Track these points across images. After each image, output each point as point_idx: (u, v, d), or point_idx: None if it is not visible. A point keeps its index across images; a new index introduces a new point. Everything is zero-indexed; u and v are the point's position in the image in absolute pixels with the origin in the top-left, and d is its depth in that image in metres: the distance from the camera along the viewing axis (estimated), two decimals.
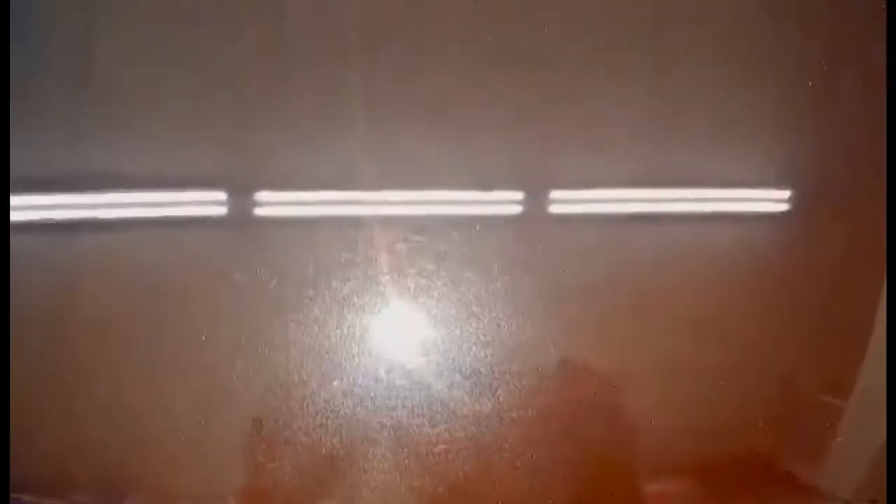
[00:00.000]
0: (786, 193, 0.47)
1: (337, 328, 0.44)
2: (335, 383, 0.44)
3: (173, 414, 0.44)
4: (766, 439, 0.44)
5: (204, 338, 0.44)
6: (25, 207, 0.45)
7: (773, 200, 0.47)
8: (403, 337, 0.44)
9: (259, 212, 0.46)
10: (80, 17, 0.46)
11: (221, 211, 0.46)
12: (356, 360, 0.44)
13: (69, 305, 0.45)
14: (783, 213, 0.47)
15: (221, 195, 0.46)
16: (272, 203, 0.46)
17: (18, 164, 0.44)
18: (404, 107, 0.46)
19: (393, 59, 0.46)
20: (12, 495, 0.42)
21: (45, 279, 0.45)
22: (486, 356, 0.44)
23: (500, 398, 0.43)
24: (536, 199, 0.46)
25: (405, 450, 0.43)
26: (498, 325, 0.44)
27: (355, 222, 0.45)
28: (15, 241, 0.44)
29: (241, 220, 0.46)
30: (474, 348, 0.44)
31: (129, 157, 0.45)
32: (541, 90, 0.46)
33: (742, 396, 0.44)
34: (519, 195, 0.46)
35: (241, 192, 0.45)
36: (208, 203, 0.46)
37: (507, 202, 0.46)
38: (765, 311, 0.45)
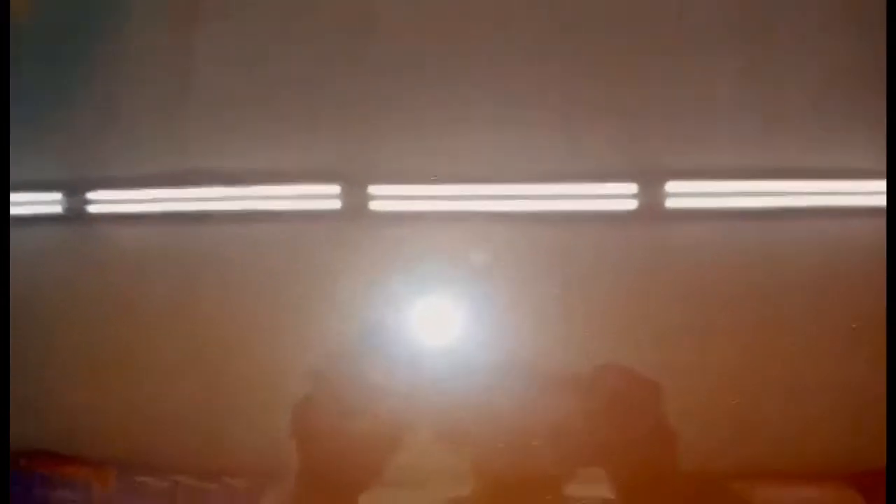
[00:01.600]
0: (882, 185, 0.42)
1: (444, 323, 0.44)
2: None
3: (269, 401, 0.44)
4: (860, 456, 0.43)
5: (314, 332, 0.44)
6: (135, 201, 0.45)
7: (870, 193, 0.43)
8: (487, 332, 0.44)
9: (373, 205, 0.45)
10: (181, 14, 0.46)
11: (335, 204, 0.44)
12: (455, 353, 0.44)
13: (187, 299, 0.45)
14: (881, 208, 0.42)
15: (336, 188, 0.44)
16: (386, 197, 0.45)
17: (137, 160, 0.46)
18: (517, 100, 0.44)
19: (504, 53, 0.45)
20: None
21: (169, 271, 0.45)
22: (577, 354, 0.43)
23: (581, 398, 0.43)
24: (650, 192, 0.45)
25: (461, 443, 0.43)
26: (590, 322, 0.44)
27: (464, 217, 0.45)
28: (136, 232, 0.46)
29: (355, 213, 0.45)
30: (568, 344, 0.43)
31: (242, 151, 0.43)
32: (641, 86, 0.45)
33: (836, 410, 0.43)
34: (627, 187, 0.44)
35: (355, 186, 0.44)
36: (323, 196, 0.44)
37: (619, 196, 0.45)
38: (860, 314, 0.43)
